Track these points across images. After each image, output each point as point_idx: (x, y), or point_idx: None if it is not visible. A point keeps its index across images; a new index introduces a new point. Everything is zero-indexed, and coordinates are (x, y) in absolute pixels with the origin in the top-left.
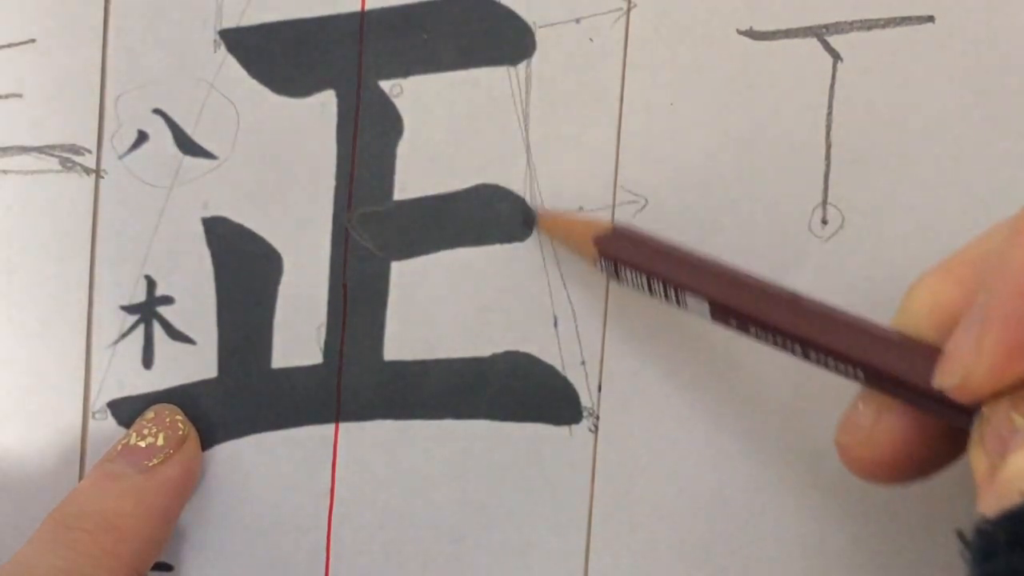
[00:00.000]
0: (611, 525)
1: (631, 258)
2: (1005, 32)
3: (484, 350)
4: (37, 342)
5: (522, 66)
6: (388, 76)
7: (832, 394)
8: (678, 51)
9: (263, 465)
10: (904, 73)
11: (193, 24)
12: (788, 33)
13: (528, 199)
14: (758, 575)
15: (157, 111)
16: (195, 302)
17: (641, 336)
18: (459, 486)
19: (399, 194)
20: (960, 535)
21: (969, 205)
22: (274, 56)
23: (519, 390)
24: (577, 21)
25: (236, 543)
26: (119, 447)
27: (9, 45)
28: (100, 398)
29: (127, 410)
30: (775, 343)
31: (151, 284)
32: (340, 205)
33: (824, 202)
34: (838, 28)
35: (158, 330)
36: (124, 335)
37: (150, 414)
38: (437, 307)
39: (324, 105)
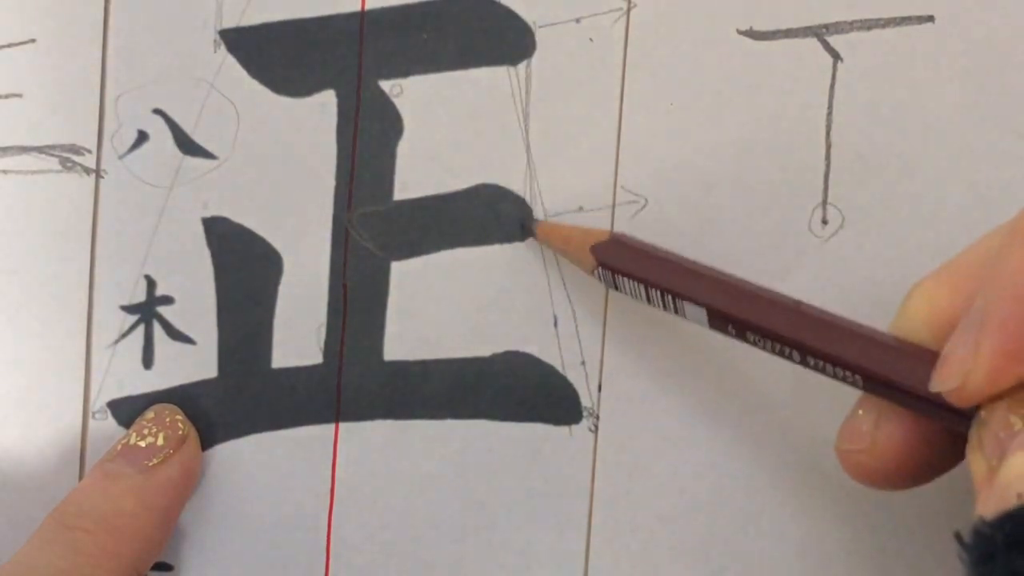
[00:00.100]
0: (611, 525)
1: (629, 267)
2: (1005, 32)
3: (484, 350)
4: (37, 342)
5: (522, 66)
6: (388, 76)
7: (831, 394)
8: (678, 51)
9: (263, 465)
10: (904, 73)
11: (193, 24)
12: (788, 33)
13: (528, 199)
14: (758, 575)
15: (157, 111)
16: (195, 302)
17: (641, 336)
18: (459, 486)
19: (399, 194)
20: (958, 537)
21: (969, 205)
22: (274, 56)
23: (519, 390)
24: (577, 21)
25: (236, 543)
26: (119, 447)
27: (9, 45)
28: (100, 398)
29: (127, 410)
30: (773, 350)
31: (151, 284)
32: (340, 205)
33: (824, 202)
34: (838, 28)
35: (158, 330)
36: (124, 335)
37: (150, 414)
38: (437, 307)
39: (324, 105)
